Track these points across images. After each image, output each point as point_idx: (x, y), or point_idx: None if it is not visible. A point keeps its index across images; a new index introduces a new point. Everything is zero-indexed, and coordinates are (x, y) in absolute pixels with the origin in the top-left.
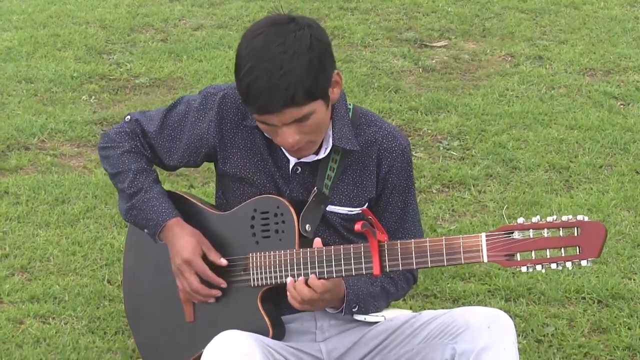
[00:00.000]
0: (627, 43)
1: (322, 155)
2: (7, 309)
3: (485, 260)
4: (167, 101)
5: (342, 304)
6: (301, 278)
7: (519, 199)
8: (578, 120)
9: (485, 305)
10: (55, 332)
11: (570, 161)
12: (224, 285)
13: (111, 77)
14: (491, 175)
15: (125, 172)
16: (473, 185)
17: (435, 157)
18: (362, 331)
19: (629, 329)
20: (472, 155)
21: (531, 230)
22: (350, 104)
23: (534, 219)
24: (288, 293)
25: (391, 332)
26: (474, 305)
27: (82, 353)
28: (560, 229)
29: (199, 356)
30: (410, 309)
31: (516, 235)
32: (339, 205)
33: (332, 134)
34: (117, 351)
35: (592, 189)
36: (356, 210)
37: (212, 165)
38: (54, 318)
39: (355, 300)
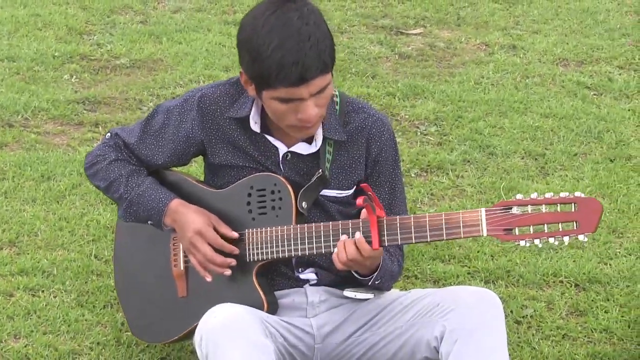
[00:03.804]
0: (599, 34)
1: (314, 148)
2: None
3: (485, 234)
4: (148, 82)
5: (372, 273)
6: (352, 239)
7: (496, 184)
8: (552, 109)
9: None
10: (45, 305)
11: (546, 148)
12: (236, 252)
13: (92, 58)
14: (468, 161)
15: (117, 180)
16: (451, 170)
17: (413, 142)
18: (352, 308)
19: (605, 312)
20: (450, 141)
21: (529, 206)
22: (336, 92)
23: (533, 195)
24: (336, 250)
25: (381, 309)
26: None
27: (73, 325)
28: (558, 205)
29: (191, 330)
30: (395, 288)
31: (514, 210)
32: (330, 189)
33: (322, 126)
34: (107, 324)
35: (567, 176)
36: (345, 192)
37: None
38: (43, 291)
39: (382, 274)
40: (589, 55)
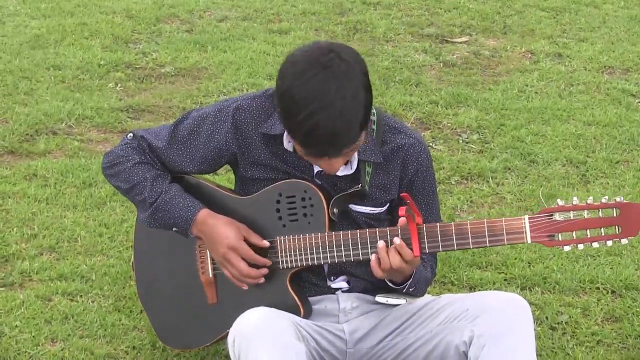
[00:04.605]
0: None
1: (349, 171)
2: (36, 286)
3: (529, 241)
4: (192, 90)
5: (406, 280)
6: (393, 247)
7: (536, 192)
8: (596, 117)
9: None
10: (83, 310)
11: (587, 156)
12: (269, 263)
13: (137, 66)
14: (509, 169)
15: (142, 182)
16: (491, 178)
17: (455, 149)
18: (383, 313)
19: None
20: (491, 149)
21: (571, 212)
22: (374, 109)
23: (574, 201)
24: (376, 257)
25: (411, 314)
26: None
27: (109, 330)
28: (600, 210)
29: (224, 336)
30: (428, 294)
31: (557, 217)
32: (365, 205)
33: (358, 149)
34: (143, 329)
35: (608, 183)
36: (378, 209)
37: None
38: (81, 296)
39: (415, 282)
40: (635, 63)
